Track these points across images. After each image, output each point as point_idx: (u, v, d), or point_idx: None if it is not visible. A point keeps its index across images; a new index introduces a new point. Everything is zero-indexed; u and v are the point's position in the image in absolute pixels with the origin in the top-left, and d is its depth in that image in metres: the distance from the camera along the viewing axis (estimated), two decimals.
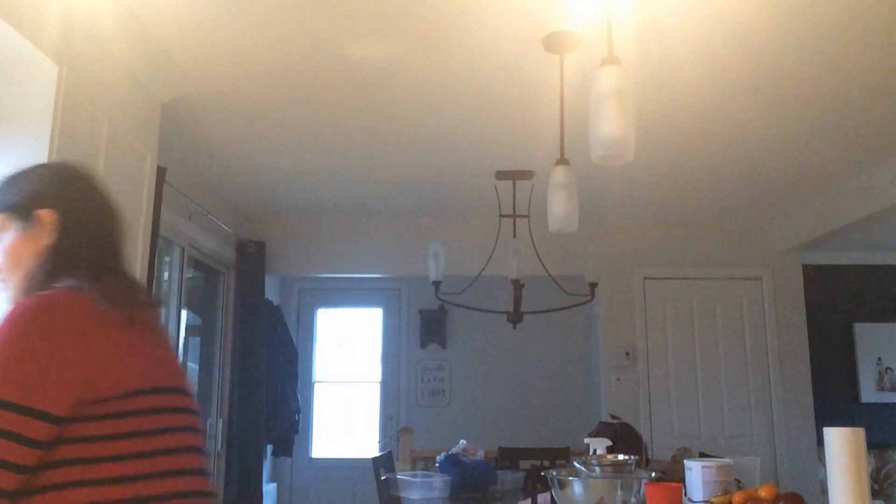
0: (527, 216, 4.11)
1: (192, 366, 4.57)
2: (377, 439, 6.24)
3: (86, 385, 1.02)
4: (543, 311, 3.84)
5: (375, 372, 6.39)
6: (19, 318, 1.04)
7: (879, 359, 5.84)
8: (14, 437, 0.97)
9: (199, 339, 4.72)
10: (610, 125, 1.81)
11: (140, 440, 1.05)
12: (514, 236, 4.03)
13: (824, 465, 1.86)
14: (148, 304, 1.18)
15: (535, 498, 2.78)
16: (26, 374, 0.99)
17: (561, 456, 4.33)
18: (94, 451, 1.01)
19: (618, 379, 5.08)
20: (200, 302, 4.77)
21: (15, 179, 1.27)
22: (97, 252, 1.22)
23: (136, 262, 2.58)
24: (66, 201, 1.23)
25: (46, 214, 1.21)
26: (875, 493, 5.51)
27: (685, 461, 2.15)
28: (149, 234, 2.71)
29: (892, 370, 5.84)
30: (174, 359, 1.18)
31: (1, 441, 0.96)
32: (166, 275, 4.03)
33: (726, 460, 2.14)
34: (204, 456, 1.15)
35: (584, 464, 2.26)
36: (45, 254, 1.19)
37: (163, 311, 1.21)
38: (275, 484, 5.87)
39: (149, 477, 1.04)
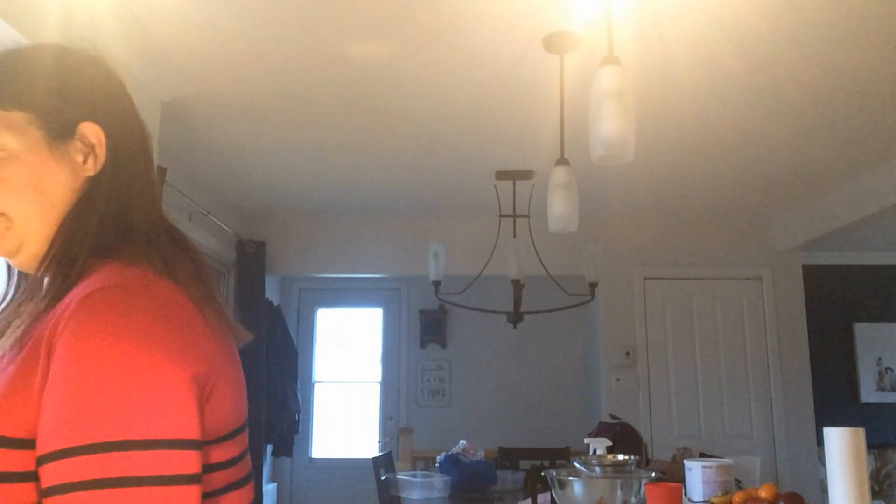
0: (527, 216, 4.11)
1: None
2: (377, 439, 6.24)
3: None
4: (543, 311, 3.84)
5: (375, 372, 6.39)
6: (115, 323, 0.69)
7: (879, 359, 5.84)
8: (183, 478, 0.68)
9: None
10: (610, 125, 1.80)
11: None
12: (514, 236, 4.03)
13: (824, 465, 1.86)
14: (220, 292, 0.84)
15: (535, 498, 2.78)
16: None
17: (561, 456, 4.33)
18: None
19: (618, 379, 5.08)
20: None
21: (29, 62, 0.79)
22: (147, 197, 0.83)
23: None
24: (112, 113, 0.82)
25: (94, 132, 0.80)
26: (875, 493, 5.51)
27: (685, 461, 2.15)
28: None
29: (892, 370, 5.84)
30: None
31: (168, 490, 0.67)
32: None
33: (726, 460, 2.14)
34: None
35: (584, 464, 2.26)
36: (89, 193, 0.79)
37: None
38: (275, 484, 5.87)
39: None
